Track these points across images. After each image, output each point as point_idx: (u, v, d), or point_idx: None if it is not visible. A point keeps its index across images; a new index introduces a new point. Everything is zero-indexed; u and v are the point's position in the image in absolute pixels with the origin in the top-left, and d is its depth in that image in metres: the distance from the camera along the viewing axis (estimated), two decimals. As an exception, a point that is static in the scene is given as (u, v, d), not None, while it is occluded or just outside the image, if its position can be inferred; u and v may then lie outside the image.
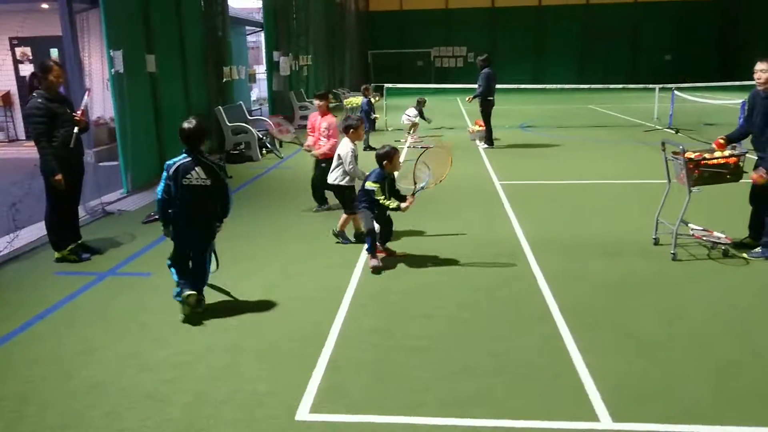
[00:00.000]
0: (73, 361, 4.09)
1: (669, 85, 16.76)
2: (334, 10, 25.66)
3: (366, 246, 5.87)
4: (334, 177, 6.67)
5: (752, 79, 5.72)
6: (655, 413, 3.37)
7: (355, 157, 6.51)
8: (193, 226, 4.68)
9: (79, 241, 6.25)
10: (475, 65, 14.11)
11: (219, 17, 12.98)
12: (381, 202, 5.73)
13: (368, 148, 12.59)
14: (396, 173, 6.07)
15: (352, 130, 6.59)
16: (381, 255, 5.90)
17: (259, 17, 19.63)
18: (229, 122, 12.54)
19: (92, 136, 8.33)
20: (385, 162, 5.78)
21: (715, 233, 5.92)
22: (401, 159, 6.05)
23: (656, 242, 6.20)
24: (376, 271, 5.63)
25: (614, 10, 33.96)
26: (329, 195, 7.48)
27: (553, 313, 4.70)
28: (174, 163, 4.56)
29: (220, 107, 12.61)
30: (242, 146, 12.44)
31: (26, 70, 13.32)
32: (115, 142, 9.30)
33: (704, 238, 5.93)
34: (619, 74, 30.29)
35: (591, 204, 8.13)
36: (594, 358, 3.96)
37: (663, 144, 6.05)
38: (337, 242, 6.56)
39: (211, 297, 5.03)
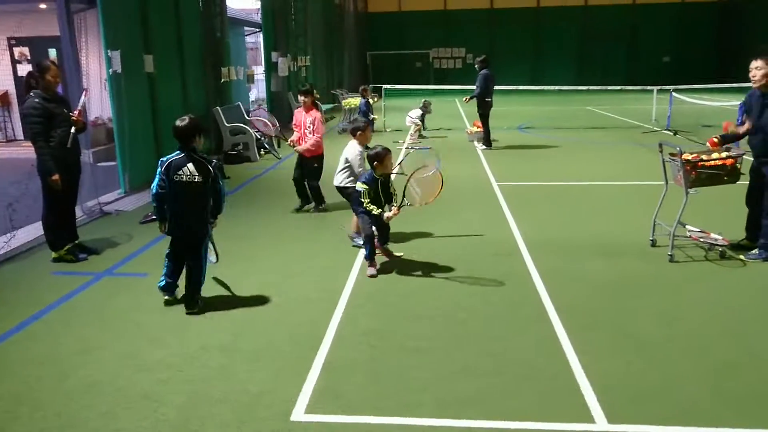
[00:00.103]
0: (70, 361, 4.09)
1: (667, 87, 16.77)
2: (333, 11, 25.64)
3: (365, 253, 5.78)
4: (340, 179, 6.59)
5: (750, 81, 5.72)
6: (652, 414, 3.36)
7: (363, 159, 6.44)
8: (185, 221, 4.77)
9: (76, 241, 6.25)
10: (473, 66, 14.11)
11: (217, 18, 12.97)
12: (364, 205, 5.62)
13: (365, 148, 12.55)
14: (392, 175, 6.01)
15: (359, 132, 6.56)
16: (379, 254, 5.88)
17: (257, 18, 19.60)
18: (227, 123, 12.54)
19: (90, 136, 8.33)
20: (375, 163, 5.70)
21: (713, 235, 5.93)
22: (399, 159, 6.00)
23: (654, 244, 6.21)
24: (373, 278, 5.56)
25: (613, 12, 33.95)
26: (328, 195, 7.46)
27: (550, 313, 4.70)
28: (167, 159, 4.69)
29: (218, 108, 12.60)
30: (240, 147, 12.45)
31: (24, 70, 13.28)
32: (112, 142, 9.30)
33: (701, 240, 5.94)
34: (617, 76, 30.31)
35: (588, 205, 8.13)
36: (591, 359, 3.96)
37: (660, 145, 6.05)
38: (353, 245, 6.40)
39: (208, 292, 5.06)
